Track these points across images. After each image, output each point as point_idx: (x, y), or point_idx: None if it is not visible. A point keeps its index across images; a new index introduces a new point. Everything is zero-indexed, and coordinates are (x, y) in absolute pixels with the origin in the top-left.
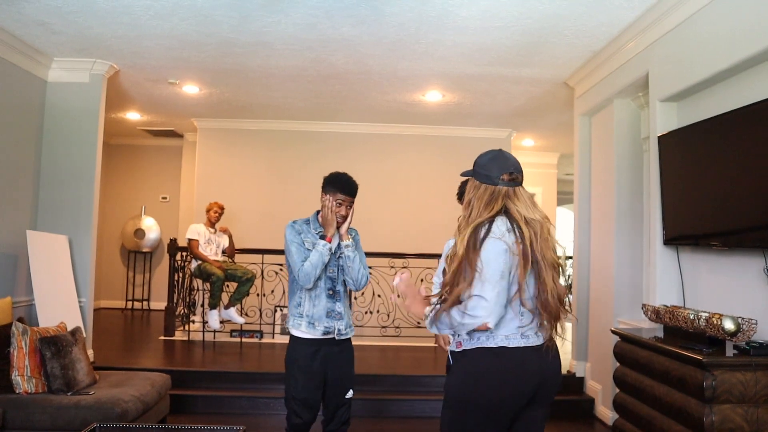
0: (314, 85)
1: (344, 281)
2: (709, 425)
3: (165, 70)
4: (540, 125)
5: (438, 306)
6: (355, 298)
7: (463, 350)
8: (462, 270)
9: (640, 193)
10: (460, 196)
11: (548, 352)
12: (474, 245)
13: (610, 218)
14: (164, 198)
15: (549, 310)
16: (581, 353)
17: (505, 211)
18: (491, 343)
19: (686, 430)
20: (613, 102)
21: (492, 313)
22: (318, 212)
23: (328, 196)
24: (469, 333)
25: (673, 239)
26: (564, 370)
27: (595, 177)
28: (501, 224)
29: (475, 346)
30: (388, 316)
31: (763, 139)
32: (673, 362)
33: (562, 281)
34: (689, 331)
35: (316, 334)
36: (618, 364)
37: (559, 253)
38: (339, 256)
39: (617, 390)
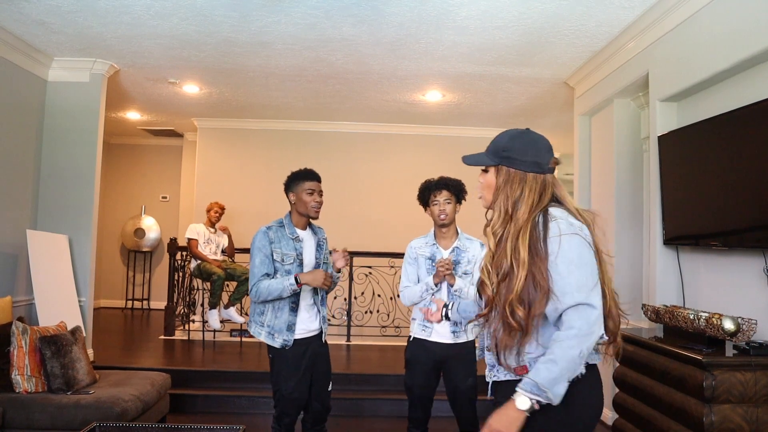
0: (314, 84)
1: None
2: (708, 425)
3: (165, 69)
4: (540, 125)
5: (532, 352)
6: (355, 298)
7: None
8: (540, 278)
9: (640, 193)
10: (425, 202)
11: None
12: (543, 245)
13: (610, 218)
14: (164, 197)
15: (614, 319)
16: None
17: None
18: None
19: (686, 430)
20: (613, 102)
21: (602, 323)
22: (289, 213)
23: (294, 193)
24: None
25: (673, 239)
26: None
27: (594, 177)
28: (570, 217)
29: None
30: (388, 315)
31: (763, 139)
32: (672, 362)
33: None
34: (689, 331)
35: (275, 344)
36: (617, 364)
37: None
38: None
39: (617, 390)
